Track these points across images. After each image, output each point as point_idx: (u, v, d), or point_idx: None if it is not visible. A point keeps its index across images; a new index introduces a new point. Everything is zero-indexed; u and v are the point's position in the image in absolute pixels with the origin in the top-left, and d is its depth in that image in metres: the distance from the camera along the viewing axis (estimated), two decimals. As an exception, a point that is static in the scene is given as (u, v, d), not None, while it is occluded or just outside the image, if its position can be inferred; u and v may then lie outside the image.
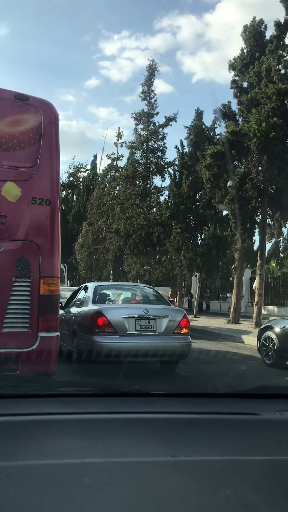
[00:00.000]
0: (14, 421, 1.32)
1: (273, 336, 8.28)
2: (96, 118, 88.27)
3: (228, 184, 17.00)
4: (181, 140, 23.89)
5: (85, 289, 7.91)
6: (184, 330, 6.96)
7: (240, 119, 17.60)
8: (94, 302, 7.14)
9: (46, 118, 4.54)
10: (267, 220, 17.69)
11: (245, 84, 18.04)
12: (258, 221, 17.29)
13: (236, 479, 1.04)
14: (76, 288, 9.67)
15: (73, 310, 7.67)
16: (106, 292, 7.89)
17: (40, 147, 4.47)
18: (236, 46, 46.77)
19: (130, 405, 1.56)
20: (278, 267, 36.27)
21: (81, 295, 7.93)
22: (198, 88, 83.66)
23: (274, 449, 1.25)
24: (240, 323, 17.26)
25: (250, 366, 8.55)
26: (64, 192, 44.80)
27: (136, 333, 6.56)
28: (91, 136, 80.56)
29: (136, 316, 6.62)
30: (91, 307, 6.98)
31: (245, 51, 18.29)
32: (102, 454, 1.14)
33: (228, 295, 23.54)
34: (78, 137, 79.99)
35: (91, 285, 7.84)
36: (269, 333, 8.46)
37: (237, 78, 18.38)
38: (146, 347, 6.55)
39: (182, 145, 23.56)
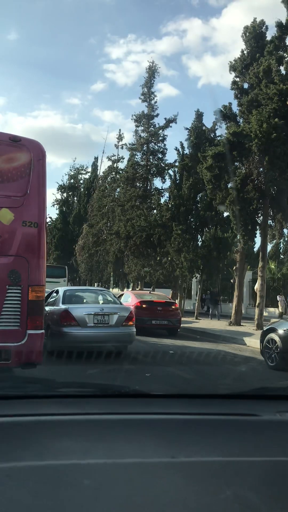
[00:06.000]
0: (14, 422, 1.32)
1: (276, 338, 8.21)
2: (101, 121, 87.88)
3: (229, 185, 16.95)
4: (181, 142, 23.80)
5: (57, 292, 9.90)
6: (130, 323, 9.05)
7: (241, 120, 17.59)
8: (63, 303, 9.07)
9: (35, 156, 5.42)
10: (269, 221, 17.67)
11: (245, 85, 18.03)
12: (259, 222, 17.27)
13: (236, 480, 1.04)
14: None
15: (47, 308, 9.32)
16: (72, 294, 9.99)
17: (30, 179, 5.35)
18: (242, 50, 46.36)
19: (130, 406, 1.55)
20: (279, 268, 36.18)
21: (53, 297, 9.90)
22: (203, 92, 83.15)
23: (274, 450, 1.25)
24: (242, 325, 17.24)
25: (252, 368, 8.51)
26: (65, 194, 45.55)
27: (93, 325, 8.59)
28: (96, 139, 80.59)
29: (93, 313, 8.69)
30: (60, 306, 8.94)
31: (245, 52, 18.27)
32: (102, 455, 1.14)
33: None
34: (83, 139, 79.86)
35: (61, 289, 9.96)
36: (272, 335, 8.39)
37: (237, 79, 18.36)
38: (101, 335, 8.64)
39: (182, 147, 23.52)
